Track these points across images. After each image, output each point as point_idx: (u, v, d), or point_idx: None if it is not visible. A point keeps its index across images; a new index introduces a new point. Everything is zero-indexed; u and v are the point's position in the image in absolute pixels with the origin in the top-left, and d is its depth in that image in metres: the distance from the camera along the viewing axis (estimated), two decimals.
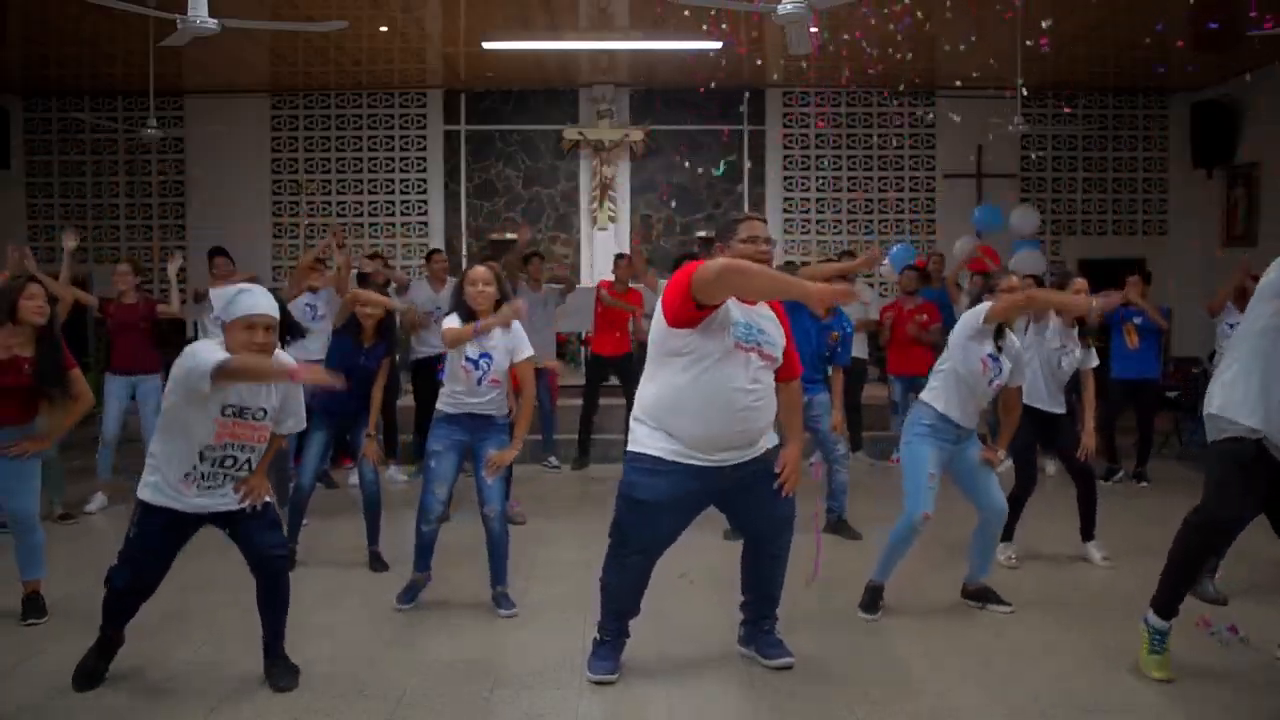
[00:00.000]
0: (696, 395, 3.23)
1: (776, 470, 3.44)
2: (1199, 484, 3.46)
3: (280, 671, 3.41)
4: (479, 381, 4.12)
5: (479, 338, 4.11)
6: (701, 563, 4.48)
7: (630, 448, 3.39)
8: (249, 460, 3.33)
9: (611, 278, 7.71)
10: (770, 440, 3.45)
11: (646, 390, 3.38)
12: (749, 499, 3.48)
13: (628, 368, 7.44)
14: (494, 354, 4.13)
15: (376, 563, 4.85)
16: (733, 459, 3.33)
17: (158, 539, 3.32)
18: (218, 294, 3.37)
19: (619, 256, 7.91)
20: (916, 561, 4.52)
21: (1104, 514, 5.01)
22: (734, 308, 3.27)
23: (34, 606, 4.04)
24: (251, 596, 3.43)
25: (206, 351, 3.12)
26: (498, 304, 4.18)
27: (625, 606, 3.55)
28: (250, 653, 3.49)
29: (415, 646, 3.80)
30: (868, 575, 4.30)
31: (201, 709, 3.22)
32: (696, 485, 3.33)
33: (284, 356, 3.33)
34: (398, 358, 7.19)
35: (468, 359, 4.11)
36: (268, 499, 3.39)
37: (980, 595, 4.25)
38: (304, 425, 3.56)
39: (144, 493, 3.29)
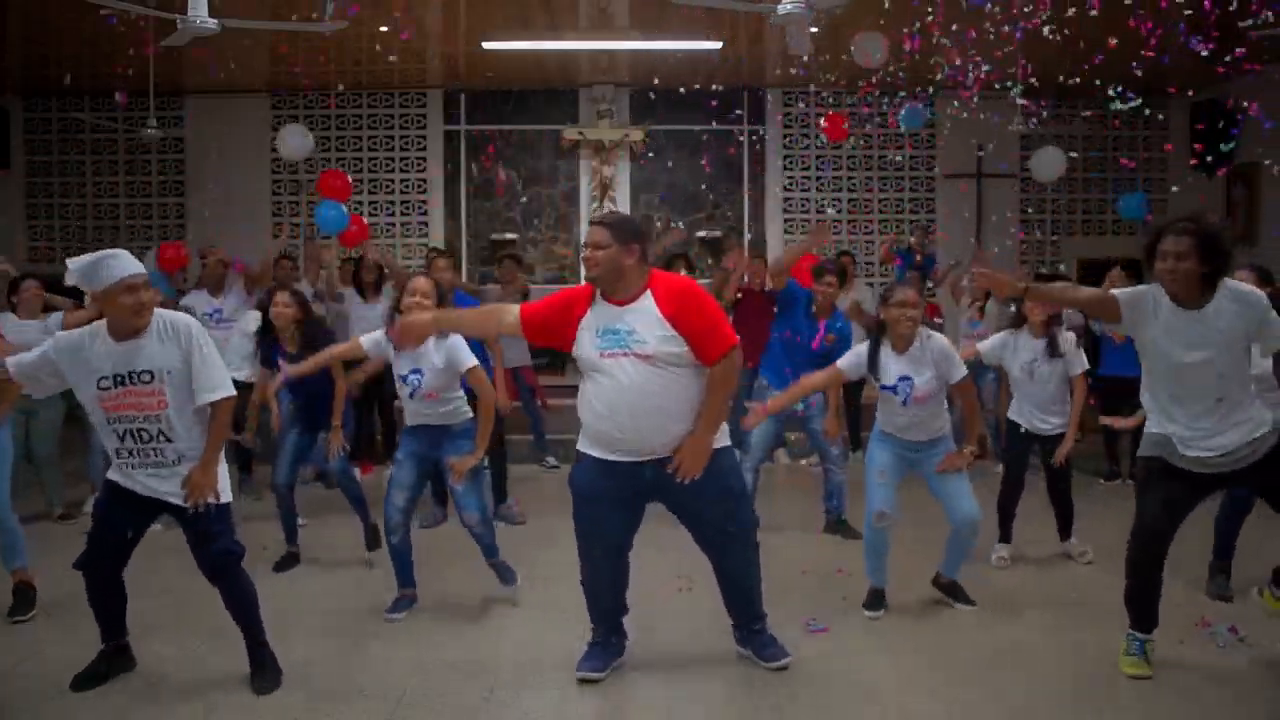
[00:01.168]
0: (590, 403, 3.32)
1: (674, 465, 3.30)
2: None
3: (256, 674, 3.40)
4: (411, 395, 4.11)
5: (405, 352, 4.06)
6: (701, 563, 4.47)
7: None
8: (161, 432, 3.22)
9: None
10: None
11: None
12: (683, 507, 3.45)
13: None
14: (424, 370, 4.07)
15: (372, 536, 4.88)
16: (646, 459, 3.31)
17: (109, 512, 3.34)
18: (75, 264, 3.14)
19: None
20: (915, 561, 4.52)
21: (1103, 514, 5.02)
22: (594, 317, 3.31)
23: (22, 600, 4.04)
24: None
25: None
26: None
27: (604, 605, 3.56)
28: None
29: (415, 646, 3.80)
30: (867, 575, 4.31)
31: (200, 709, 3.22)
32: (613, 482, 3.35)
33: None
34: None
35: (399, 375, 4.12)
36: (217, 501, 3.30)
37: (948, 590, 4.26)
38: (230, 393, 3.30)
39: (110, 470, 3.36)
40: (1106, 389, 6.57)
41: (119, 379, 3.18)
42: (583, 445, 3.44)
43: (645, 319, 3.26)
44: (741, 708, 3.28)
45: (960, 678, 3.49)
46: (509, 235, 10.31)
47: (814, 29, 5.98)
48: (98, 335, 3.22)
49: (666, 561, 4.46)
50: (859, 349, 4.23)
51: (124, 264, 3.17)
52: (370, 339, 4.20)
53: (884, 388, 4.06)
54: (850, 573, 4.66)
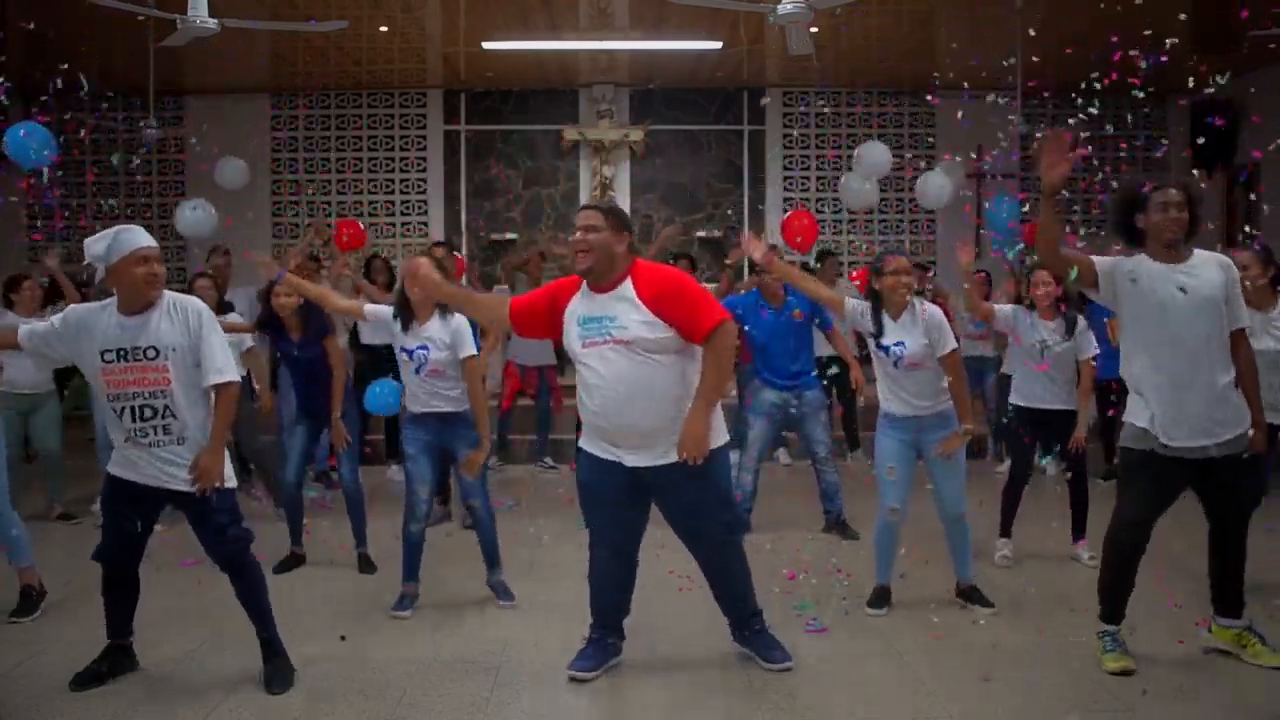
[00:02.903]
0: (581, 396, 3.37)
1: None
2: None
3: (271, 672, 3.40)
4: (416, 371, 4.15)
5: (414, 337, 4.13)
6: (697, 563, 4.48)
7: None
8: (167, 408, 3.22)
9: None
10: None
11: None
12: (666, 507, 3.47)
13: None
14: (430, 345, 4.13)
15: (365, 564, 4.83)
16: (630, 460, 3.32)
17: (119, 508, 3.35)
18: (91, 241, 3.23)
19: None
20: (915, 560, 4.52)
21: (1102, 514, 5.00)
22: (577, 304, 3.34)
23: (26, 602, 4.05)
24: None
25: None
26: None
27: (604, 602, 3.57)
28: (250, 653, 3.49)
29: (415, 646, 3.80)
30: (866, 574, 4.31)
31: (201, 709, 3.22)
32: (609, 479, 3.37)
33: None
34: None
35: (403, 349, 4.17)
36: (223, 485, 3.31)
37: (966, 595, 4.25)
38: (235, 378, 3.30)
39: (110, 464, 3.36)
40: (1105, 391, 6.56)
41: (122, 353, 3.21)
42: (582, 441, 3.48)
43: (624, 305, 3.27)
44: (741, 708, 3.28)
45: (960, 678, 3.48)
46: (509, 235, 10.32)
47: (813, 29, 5.98)
48: (108, 309, 3.27)
49: (666, 562, 4.46)
50: (863, 304, 4.21)
51: (137, 236, 3.26)
52: (375, 308, 4.30)
53: (879, 347, 4.08)
54: (850, 573, 4.67)
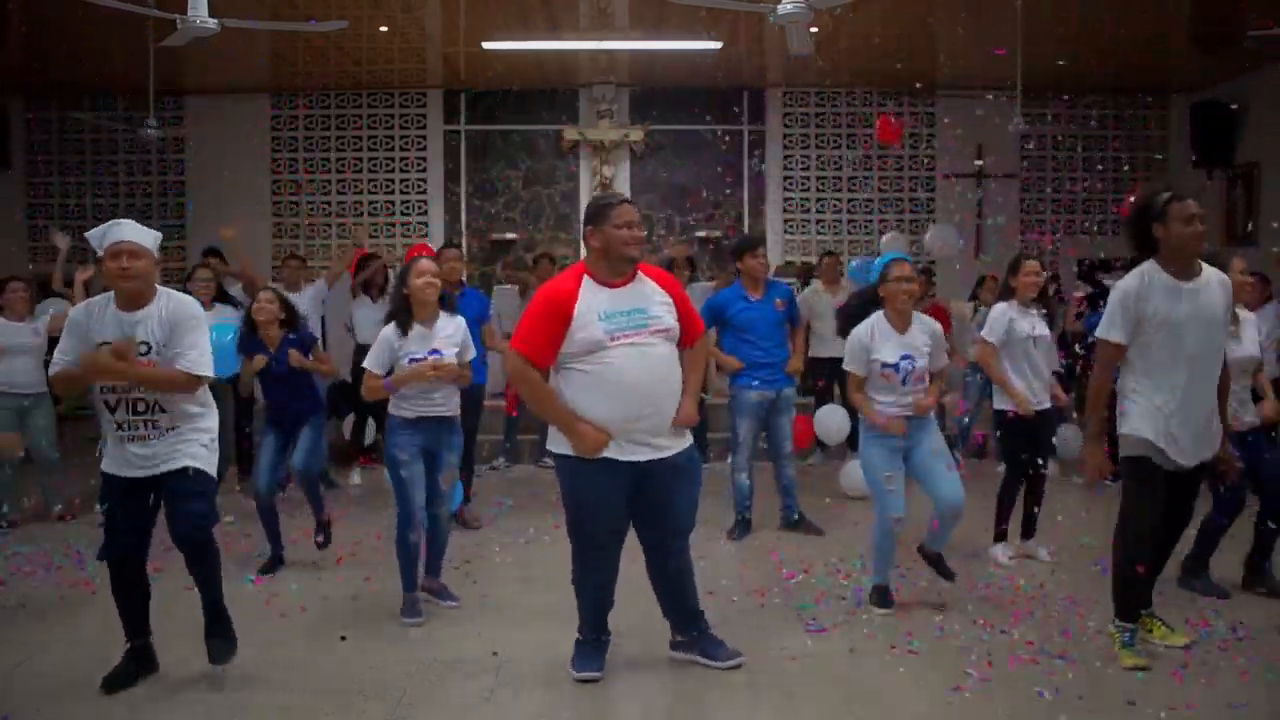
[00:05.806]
0: (601, 390, 3.23)
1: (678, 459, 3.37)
2: None
3: (215, 646, 3.38)
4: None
5: (424, 341, 4.06)
6: (702, 563, 4.48)
7: (552, 446, 3.41)
8: (158, 404, 3.25)
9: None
10: (685, 439, 3.42)
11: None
12: (653, 495, 3.38)
13: None
14: (444, 351, 4.07)
15: (320, 534, 4.90)
16: (643, 455, 3.29)
17: (120, 505, 3.34)
18: (93, 234, 3.31)
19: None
20: (915, 561, 4.52)
21: (1101, 514, 5.00)
22: (591, 301, 3.24)
23: None
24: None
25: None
26: (443, 301, 4.12)
27: (605, 605, 3.55)
28: (251, 655, 3.49)
29: (415, 646, 3.80)
30: (866, 574, 4.30)
31: (202, 709, 3.22)
32: (618, 480, 3.30)
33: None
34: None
35: (413, 358, 4.04)
36: (197, 466, 3.30)
37: (933, 561, 4.26)
38: (207, 374, 3.31)
39: (104, 462, 3.35)
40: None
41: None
42: (580, 448, 3.30)
43: (652, 297, 3.34)
44: (739, 708, 3.28)
45: (959, 678, 3.48)
46: (509, 235, 10.32)
47: (813, 29, 5.99)
48: (110, 303, 3.28)
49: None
50: (853, 338, 4.09)
51: (116, 231, 3.27)
52: (374, 358, 4.11)
53: (885, 366, 4.01)
54: (850, 573, 4.67)
